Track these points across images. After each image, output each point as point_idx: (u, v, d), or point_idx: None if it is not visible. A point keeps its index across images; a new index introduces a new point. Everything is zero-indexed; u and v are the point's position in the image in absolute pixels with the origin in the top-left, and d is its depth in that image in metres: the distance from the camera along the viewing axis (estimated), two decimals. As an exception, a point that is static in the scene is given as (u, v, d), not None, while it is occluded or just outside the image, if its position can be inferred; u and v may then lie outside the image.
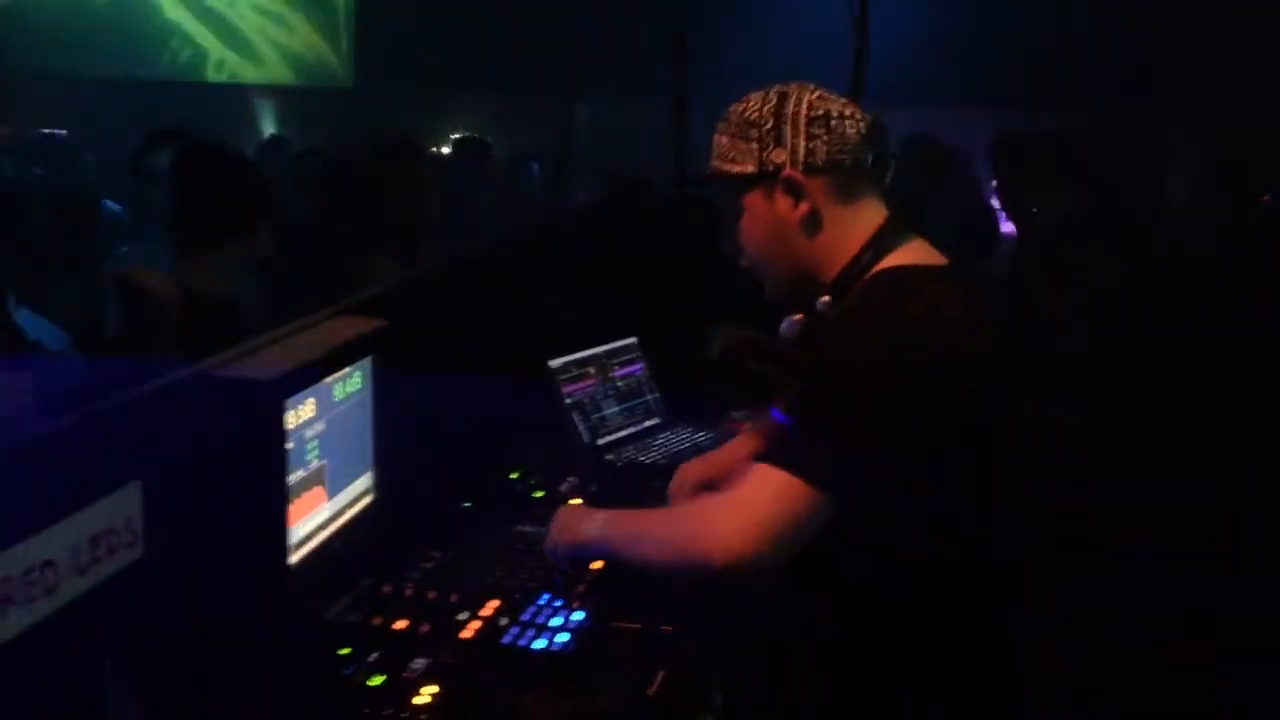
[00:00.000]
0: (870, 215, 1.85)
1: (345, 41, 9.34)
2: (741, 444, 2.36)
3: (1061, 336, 3.54)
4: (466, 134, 7.61)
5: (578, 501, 2.47)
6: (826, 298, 1.84)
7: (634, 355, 3.13)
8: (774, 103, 1.82)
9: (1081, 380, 3.39)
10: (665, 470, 2.71)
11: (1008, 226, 6.31)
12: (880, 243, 1.82)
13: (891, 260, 1.81)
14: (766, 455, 1.70)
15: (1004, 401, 1.80)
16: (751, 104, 1.84)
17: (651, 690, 1.78)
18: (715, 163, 1.89)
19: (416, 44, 8.47)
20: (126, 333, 2.70)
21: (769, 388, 3.11)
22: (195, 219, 2.79)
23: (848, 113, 1.82)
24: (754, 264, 1.92)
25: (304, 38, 9.43)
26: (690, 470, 2.33)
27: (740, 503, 1.68)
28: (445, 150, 7.34)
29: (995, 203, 6.62)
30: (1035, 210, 4.00)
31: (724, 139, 1.87)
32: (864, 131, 1.82)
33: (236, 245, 2.78)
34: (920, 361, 1.67)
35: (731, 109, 1.87)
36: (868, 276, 1.81)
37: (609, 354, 3.06)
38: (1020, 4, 7.53)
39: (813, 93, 1.83)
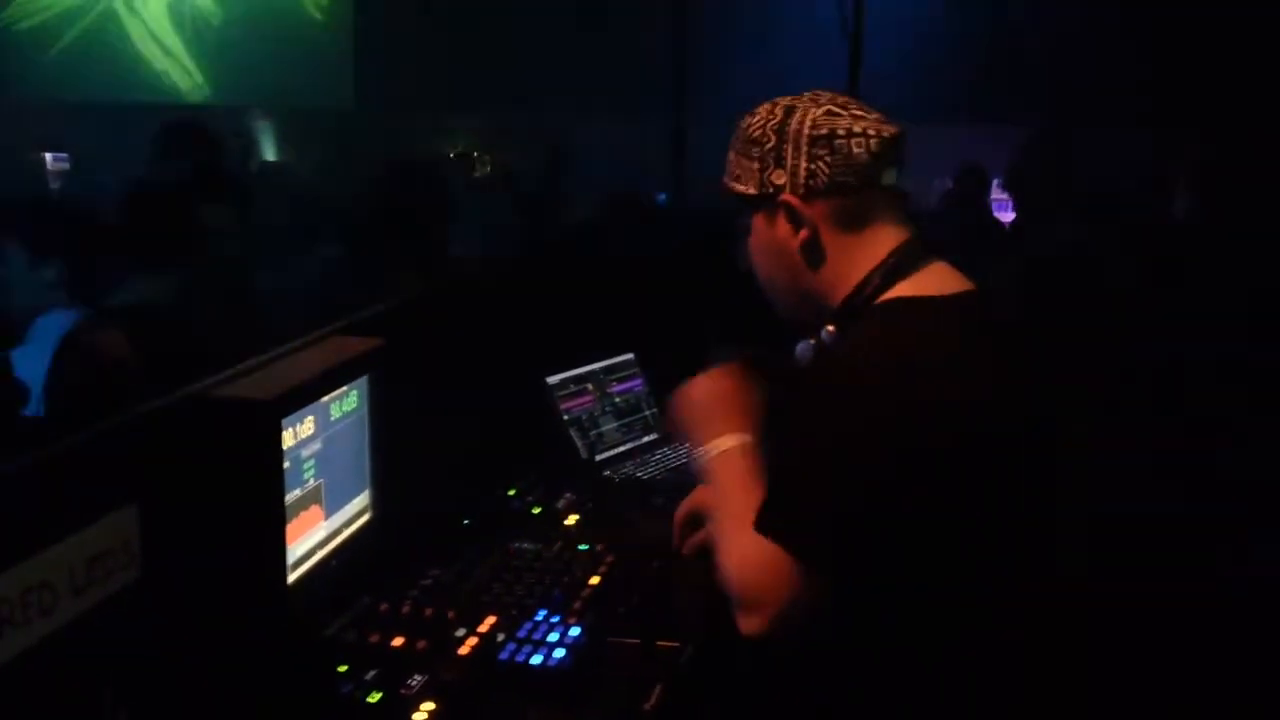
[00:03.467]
0: (883, 239, 1.72)
1: (347, 62, 9.37)
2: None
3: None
4: (463, 151, 7.64)
5: (574, 519, 2.47)
6: (830, 328, 1.75)
7: (632, 371, 3.14)
8: (778, 119, 1.71)
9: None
10: (664, 486, 2.72)
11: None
12: (891, 270, 1.70)
13: (901, 289, 1.70)
14: (761, 520, 1.62)
15: (1007, 444, 1.65)
16: (756, 119, 1.74)
17: (649, 705, 1.78)
18: (725, 179, 1.80)
19: (416, 64, 8.50)
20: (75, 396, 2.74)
21: (769, 407, 3.12)
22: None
23: (857, 129, 1.68)
24: (762, 285, 1.83)
25: (301, 58, 9.47)
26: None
27: (746, 584, 1.61)
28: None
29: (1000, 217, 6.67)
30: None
31: (731, 155, 1.77)
32: (875, 150, 1.68)
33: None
34: (904, 418, 1.56)
35: (740, 122, 1.77)
36: (875, 303, 1.70)
37: (607, 370, 3.07)
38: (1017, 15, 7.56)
39: (820, 107, 1.70)
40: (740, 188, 1.76)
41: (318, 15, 8.97)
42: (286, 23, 9.13)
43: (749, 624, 1.61)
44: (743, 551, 1.64)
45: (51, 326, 2.90)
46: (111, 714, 1.55)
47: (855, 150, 1.67)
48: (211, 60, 9.16)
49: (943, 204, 6.32)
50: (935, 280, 1.72)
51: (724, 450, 1.79)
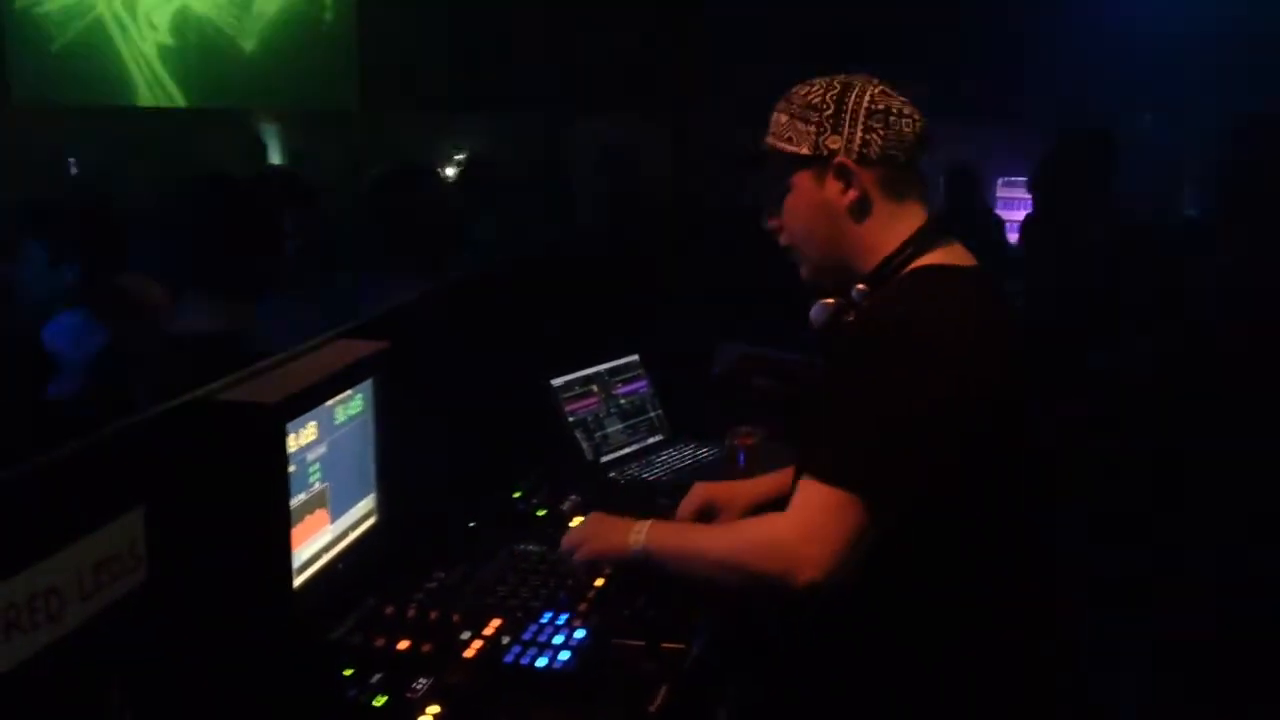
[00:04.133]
0: (913, 215, 1.88)
1: (352, 64, 9.37)
2: (763, 481, 2.31)
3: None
4: (470, 152, 7.64)
5: (578, 520, 2.48)
6: (862, 286, 1.87)
7: (637, 373, 3.14)
8: (837, 90, 1.85)
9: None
10: (669, 487, 2.72)
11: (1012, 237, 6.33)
12: (921, 240, 1.86)
13: (929, 259, 1.85)
14: (810, 467, 1.71)
15: (1022, 403, 1.82)
16: (815, 88, 1.87)
17: (654, 707, 1.79)
18: (770, 139, 1.91)
19: (420, 64, 8.51)
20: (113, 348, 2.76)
21: (775, 403, 3.13)
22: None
23: (906, 111, 1.85)
24: (794, 243, 1.94)
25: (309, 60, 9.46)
26: (704, 489, 2.31)
27: (812, 528, 1.68)
28: (449, 171, 7.37)
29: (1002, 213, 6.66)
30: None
31: (783, 117, 1.89)
32: (919, 132, 1.86)
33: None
34: (943, 360, 1.70)
35: (794, 89, 1.90)
36: (905, 271, 1.84)
37: (611, 372, 3.08)
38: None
39: (876, 87, 1.86)
40: (790, 148, 1.88)
41: (325, 15, 8.98)
42: (292, 23, 9.14)
43: (812, 572, 1.66)
44: (778, 519, 1.74)
45: (61, 331, 2.91)
46: (118, 718, 1.55)
47: (905, 129, 1.84)
48: (212, 63, 9.14)
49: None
50: (954, 254, 1.88)
51: (646, 527, 1.97)
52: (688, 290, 3.61)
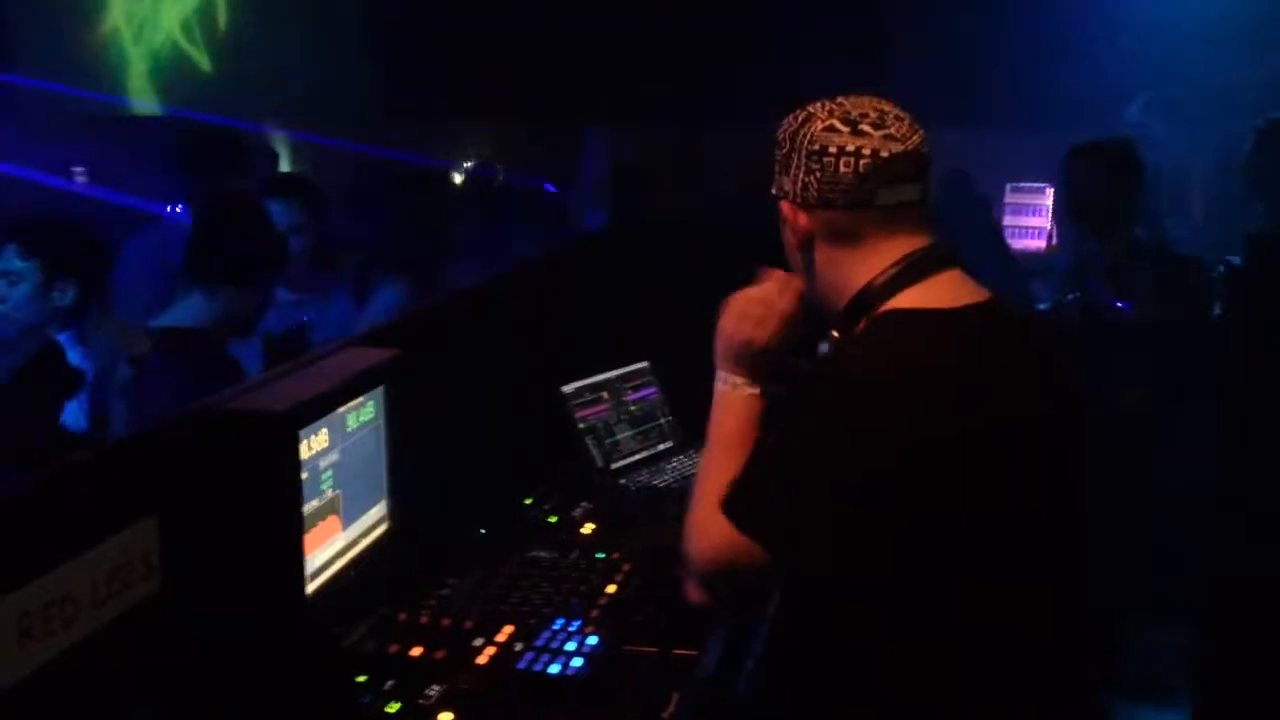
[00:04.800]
0: (884, 251, 1.70)
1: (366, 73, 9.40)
2: None
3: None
4: (479, 161, 7.65)
5: (590, 528, 2.48)
6: (834, 333, 1.77)
7: (647, 379, 3.14)
8: (796, 125, 1.73)
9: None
10: (679, 494, 2.72)
11: (1016, 244, 6.32)
12: (892, 280, 1.69)
13: (903, 299, 1.69)
14: (727, 497, 1.67)
15: (1001, 465, 1.63)
16: (785, 122, 1.75)
17: (667, 714, 1.79)
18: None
19: (434, 75, 8.53)
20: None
21: (783, 409, 3.12)
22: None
23: (851, 147, 1.66)
24: None
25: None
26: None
27: (701, 542, 1.68)
28: (458, 178, 7.39)
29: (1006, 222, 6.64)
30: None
31: (774, 150, 1.79)
32: (863, 170, 1.66)
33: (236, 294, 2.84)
34: (879, 427, 1.57)
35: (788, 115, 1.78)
36: (876, 313, 1.70)
37: (622, 378, 3.08)
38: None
39: (827, 120, 1.69)
40: (772, 184, 1.79)
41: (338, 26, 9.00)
42: (305, 32, 9.16)
43: (696, 594, 1.71)
44: (706, 529, 1.69)
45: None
46: (132, 725, 1.56)
47: (842, 170, 1.67)
48: (227, 71, 9.16)
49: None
50: (940, 291, 1.70)
51: (739, 392, 1.83)
52: (699, 297, 3.60)
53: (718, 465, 1.76)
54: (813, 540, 1.62)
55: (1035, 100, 6.35)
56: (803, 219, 1.73)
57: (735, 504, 1.66)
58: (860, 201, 1.68)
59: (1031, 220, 6.81)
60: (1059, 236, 6.17)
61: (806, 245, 1.75)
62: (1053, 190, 6.28)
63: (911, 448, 1.57)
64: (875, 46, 4.65)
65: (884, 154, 1.66)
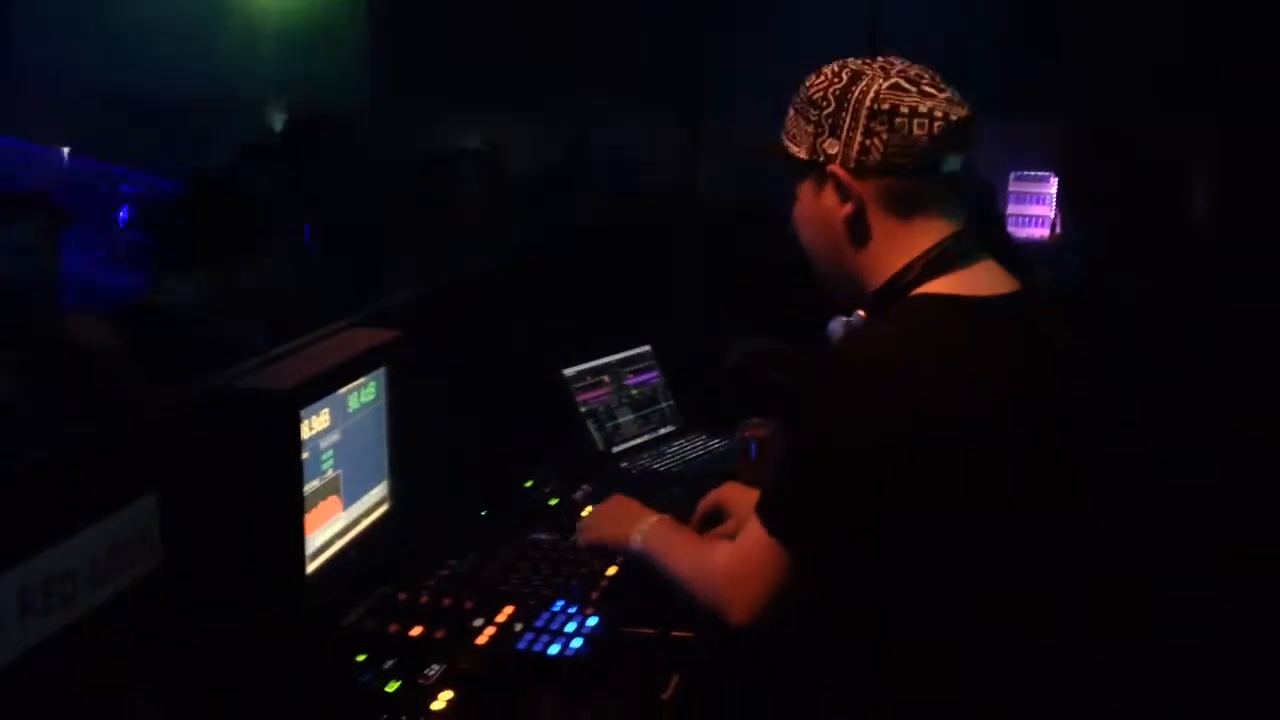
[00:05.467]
0: (931, 229, 1.62)
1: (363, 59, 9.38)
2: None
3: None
4: (476, 147, 7.64)
5: (589, 511, 2.48)
6: (862, 312, 1.70)
7: (648, 363, 3.14)
8: (842, 83, 1.60)
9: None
10: (680, 478, 2.73)
11: (1019, 233, 6.31)
12: (933, 263, 1.60)
13: (938, 285, 1.60)
14: (760, 506, 1.62)
15: (1014, 451, 1.56)
16: (820, 80, 1.63)
17: (666, 696, 1.79)
18: (782, 136, 1.69)
19: (433, 61, 8.51)
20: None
21: (784, 397, 3.12)
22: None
23: (923, 108, 1.56)
24: (807, 253, 1.74)
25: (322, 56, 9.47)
26: (717, 494, 2.25)
27: (737, 566, 1.64)
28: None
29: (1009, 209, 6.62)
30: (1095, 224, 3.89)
31: (791, 112, 1.67)
32: (937, 133, 1.56)
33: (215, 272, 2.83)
34: (911, 415, 1.49)
35: (805, 79, 1.66)
36: (909, 297, 1.61)
37: (623, 362, 3.07)
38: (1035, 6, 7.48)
39: (889, 79, 1.58)
40: (794, 148, 1.66)
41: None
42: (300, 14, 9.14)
43: (738, 615, 1.62)
44: (723, 549, 1.72)
45: None
46: (132, 701, 1.56)
47: (916, 131, 1.56)
48: (221, 54, 9.14)
49: None
50: (976, 279, 1.63)
51: (650, 525, 1.97)
52: (700, 282, 3.61)
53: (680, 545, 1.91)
54: (832, 541, 1.56)
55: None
56: (858, 185, 1.60)
57: (764, 505, 1.61)
58: (927, 166, 1.58)
59: (1035, 209, 6.80)
60: (1062, 225, 6.17)
61: (857, 215, 1.62)
62: (1056, 179, 6.27)
63: (943, 440, 1.50)
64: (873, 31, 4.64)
65: (953, 117, 1.58)
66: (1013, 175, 6.79)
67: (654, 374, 3.14)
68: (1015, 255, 5.12)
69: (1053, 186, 6.38)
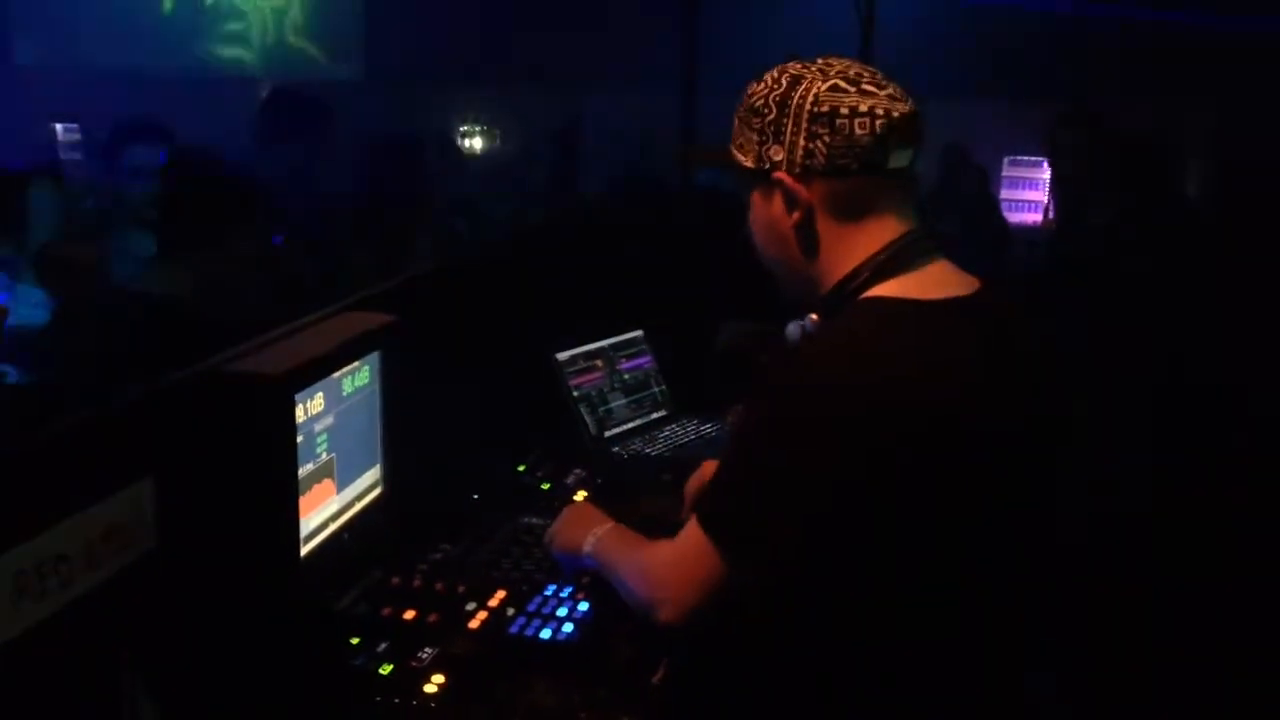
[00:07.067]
0: (882, 229, 1.61)
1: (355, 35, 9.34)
2: None
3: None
4: (474, 127, 7.64)
5: (582, 495, 2.49)
6: (814, 317, 1.68)
7: (641, 348, 3.15)
8: (781, 89, 1.60)
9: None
10: (672, 462, 2.74)
11: (1013, 218, 6.31)
12: (882, 265, 1.60)
13: (888, 287, 1.59)
14: (698, 506, 1.64)
15: (962, 453, 1.52)
16: (761, 87, 1.63)
17: (656, 679, 1.81)
18: (729, 146, 1.69)
19: (426, 36, 8.48)
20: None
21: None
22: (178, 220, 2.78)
23: (863, 107, 1.55)
24: (762, 261, 1.75)
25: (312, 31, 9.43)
26: (707, 469, 2.24)
27: (670, 567, 1.64)
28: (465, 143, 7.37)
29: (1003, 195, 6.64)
30: (1092, 210, 3.89)
31: (736, 121, 1.67)
32: (879, 131, 1.56)
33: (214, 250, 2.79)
34: (849, 421, 1.47)
35: (747, 87, 1.66)
36: (857, 301, 1.60)
37: (615, 347, 3.08)
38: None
39: (827, 81, 1.58)
40: (741, 158, 1.66)
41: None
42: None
43: (666, 614, 1.63)
44: (661, 548, 1.71)
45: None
46: (127, 685, 1.57)
47: (858, 131, 1.56)
48: (214, 29, 9.11)
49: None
50: (929, 281, 1.61)
51: (601, 534, 1.94)
52: (691, 267, 3.60)
53: (623, 548, 1.88)
54: (770, 545, 1.55)
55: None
56: (805, 190, 1.60)
57: (704, 505, 1.61)
58: (872, 165, 1.58)
59: (1029, 194, 6.81)
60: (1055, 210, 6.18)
61: (806, 221, 1.62)
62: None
63: (881, 447, 1.48)
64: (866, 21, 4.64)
65: (895, 114, 1.57)
66: (1006, 160, 6.80)
67: (647, 359, 3.15)
68: (1006, 239, 5.15)
69: (1046, 171, 6.40)
